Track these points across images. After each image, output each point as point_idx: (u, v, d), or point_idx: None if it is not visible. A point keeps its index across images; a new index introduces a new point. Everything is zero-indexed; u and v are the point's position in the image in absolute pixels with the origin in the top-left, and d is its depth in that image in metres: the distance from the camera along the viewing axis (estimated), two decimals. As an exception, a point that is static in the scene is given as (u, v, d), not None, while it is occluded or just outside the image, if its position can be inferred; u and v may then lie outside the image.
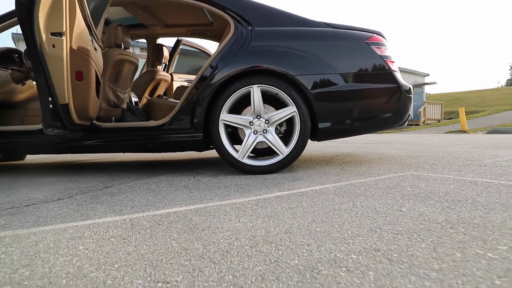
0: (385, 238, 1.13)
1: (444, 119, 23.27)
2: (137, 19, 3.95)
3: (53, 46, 2.09)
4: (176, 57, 4.92)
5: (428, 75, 25.76)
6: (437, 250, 1.01)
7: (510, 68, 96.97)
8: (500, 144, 5.58)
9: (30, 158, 4.97)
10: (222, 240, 1.15)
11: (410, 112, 2.97)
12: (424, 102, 23.80)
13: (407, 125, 22.43)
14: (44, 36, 2.07)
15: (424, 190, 1.86)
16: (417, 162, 3.15)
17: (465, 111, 15.53)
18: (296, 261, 0.96)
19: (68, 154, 5.27)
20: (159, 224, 1.38)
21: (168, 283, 0.85)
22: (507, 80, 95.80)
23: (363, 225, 1.27)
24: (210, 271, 0.91)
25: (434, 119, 22.90)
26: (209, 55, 5.32)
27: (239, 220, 1.39)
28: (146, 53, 4.71)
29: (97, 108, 2.58)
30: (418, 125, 21.89)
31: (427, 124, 21.65)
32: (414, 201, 1.62)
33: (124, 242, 1.17)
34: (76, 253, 1.08)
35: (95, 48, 2.52)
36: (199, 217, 1.46)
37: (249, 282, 0.84)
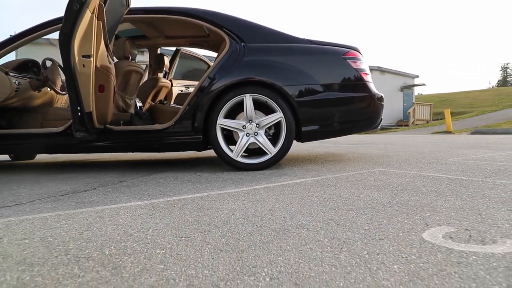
0: (339, 213, 1.57)
1: (432, 119, 23.88)
2: (141, 31, 4.37)
3: (83, 65, 2.53)
4: (175, 65, 5.35)
5: (417, 76, 26.39)
6: (372, 219, 1.46)
7: (501, 69, 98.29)
8: (475, 144, 6.07)
9: (39, 158, 5.36)
10: (222, 215, 1.59)
11: (382, 117, 3.42)
12: (414, 103, 24.41)
13: (397, 125, 23.04)
14: (77, 59, 2.51)
15: (383, 183, 2.32)
16: (389, 161, 3.61)
17: (453, 112, 16.14)
18: (274, 226, 1.40)
19: (71, 154, 5.67)
20: (174, 206, 1.81)
21: (188, 237, 1.29)
22: (498, 81, 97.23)
23: (327, 205, 1.71)
24: (216, 231, 1.35)
25: (423, 120, 23.50)
26: (204, 61, 5.79)
27: (234, 203, 1.83)
28: (148, 59, 5.13)
29: (112, 114, 3.01)
30: (407, 125, 22.50)
31: (416, 124, 22.25)
32: (371, 190, 2.07)
33: (151, 216, 1.61)
34: (119, 223, 1.51)
35: (110, 62, 2.95)
36: (204, 201, 1.90)
37: (242, 236, 1.28)
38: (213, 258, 1.08)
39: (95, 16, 2.52)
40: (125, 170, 3.39)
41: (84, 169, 3.63)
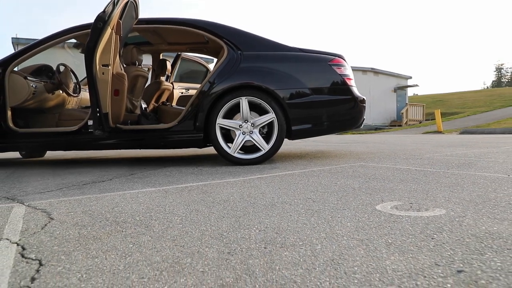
0: (317, 194, 1.96)
1: (425, 120, 24.37)
2: (145, 38, 4.75)
3: (103, 73, 2.92)
4: (176, 69, 5.73)
5: (410, 77, 26.89)
6: (341, 198, 1.85)
7: (495, 70, 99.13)
8: (458, 143, 6.49)
9: (48, 156, 5.72)
10: (223, 196, 1.98)
11: (364, 117, 3.82)
12: (407, 104, 24.91)
13: (390, 125, 23.51)
14: (97, 67, 2.90)
15: (360, 173, 2.71)
16: (372, 157, 4.01)
17: (446, 113, 16.61)
18: (264, 202, 1.79)
19: (76, 153, 6.04)
20: (182, 191, 2.19)
21: (197, 210, 1.67)
22: (493, 82, 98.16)
23: (308, 189, 2.10)
24: (218, 206, 1.73)
25: (416, 120, 24.00)
26: (202, 64, 6.20)
27: (232, 189, 2.21)
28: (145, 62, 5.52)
29: (123, 114, 3.39)
30: (400, 125, 22.99)
31: (409, 125, 22.74)
32: (347, 179, 2.46)
33: (165, 198, 1.99)
34: (140, 203, 1.89)
35: (121, 69, 3.33)
36: (207, 187, 2.28)
37: (239, 209, 1.67)
38: (217, 221, 1.46)
39: (114, 31, 2.91)
40: (133, 166, 3.76)
41: (95, 165, 4.00)
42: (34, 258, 1.09)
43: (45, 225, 1.48)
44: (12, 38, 14.40)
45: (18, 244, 1.23)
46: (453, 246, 1.09)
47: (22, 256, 1.11)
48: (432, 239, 1.16)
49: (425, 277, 0.88)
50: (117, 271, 0.98)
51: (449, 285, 0.83)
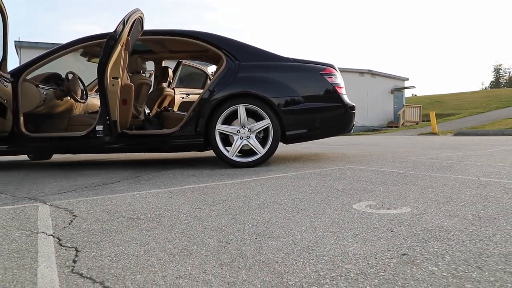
0: (304, 194, 2.23)
1: (422, 121, 24.68)
2: (148, 47, 5.02)
3: (113, 85, 3.21)
4: (177, 75, 6.01)
5: (407, 79, 27.21)
6: (325, 198, 2.12)
7: (493, 70, 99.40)
8: (447, 145, 6.76)
9: (54, 158, 5.98)
10: (222, 197, 2.25)
11: (354, 122, 4.09)
12: (404, 105, 25.23)
13: (388, 126, 23.81)
14: (108, 80, 3.18)
15: (346, 176, 2.98)
16: (362, 159, 4.27)
17: (443, 114, 16.91)
18: (258, 202, 2.06)
19: (77, 156, 6.29)
20: (186, 192, 2.46)
21: (200, 208, 1.94)
22: (491, 82, 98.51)
23: (298, 191, 2.37)
24: (218, 205, 2.00)
25: (413, 121, 24.31)
26: (201, 69, 6.50)
27: (230, 190, 2.48)
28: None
29: (130, 121, 3.66)
30: (397, 127, 23.30)
31: (406, 126, 23.05)
32: (334, 181, 2.73)
33: (171, 198, 2.26)
34: (149, 202, 2.16)
35: (127, 78, 3.60)
36: (207, 189, 2.55)
37: (236, 207, 1.94)
38: (217, 218, 1.73)
39: (123, 48, 3.20)
40: (138, 168, 4.02)
41: (101, 167, 4.26)
42: (70, 246, 1.36)
43: (71, 221, 1.75)
44: (15, 41, 14.64)
45: (53, 236, 1.50)
46: (406, 237, 1.36)
47: (60, 245, 1.38)
48: (391, 231, 1.43)
49: (376, 258, 1.15)
50: (139, 255, 1.25)
51: (392, 264, 1.10)
